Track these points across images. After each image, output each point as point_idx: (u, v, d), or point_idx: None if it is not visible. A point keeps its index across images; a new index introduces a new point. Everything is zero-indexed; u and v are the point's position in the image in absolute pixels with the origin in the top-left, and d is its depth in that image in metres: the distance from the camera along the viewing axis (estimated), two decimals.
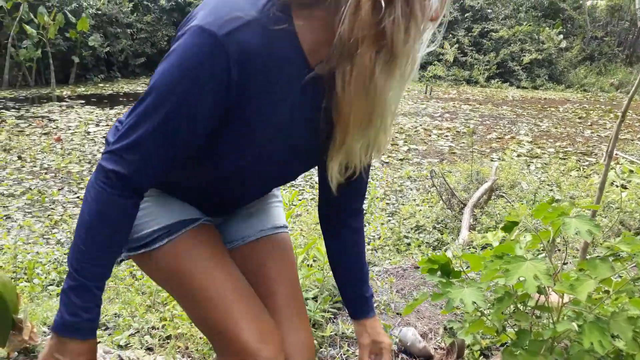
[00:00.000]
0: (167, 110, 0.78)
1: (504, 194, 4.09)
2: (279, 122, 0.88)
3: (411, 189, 4.51)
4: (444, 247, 2.99)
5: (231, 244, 1.13)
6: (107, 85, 12.18)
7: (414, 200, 4.06)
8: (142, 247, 0.97)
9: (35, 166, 4.73)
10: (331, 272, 1.27)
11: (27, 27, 10.35)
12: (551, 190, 4.68)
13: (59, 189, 4.04)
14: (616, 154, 5.66)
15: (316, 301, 1.61)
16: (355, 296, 1.14)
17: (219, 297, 0.95)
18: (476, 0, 17.62)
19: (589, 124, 8.93)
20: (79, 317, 0.81)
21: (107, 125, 6.89)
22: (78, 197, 3.90)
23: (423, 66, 17.32)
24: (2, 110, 7.74)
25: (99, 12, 12.18)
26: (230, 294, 0.96)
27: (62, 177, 4.39)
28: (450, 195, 3.38)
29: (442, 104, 11.28)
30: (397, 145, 6.52)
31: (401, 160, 5.73)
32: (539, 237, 1.03)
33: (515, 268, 0.86)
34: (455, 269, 1.10)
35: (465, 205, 3.30)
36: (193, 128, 0.81)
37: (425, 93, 13.60)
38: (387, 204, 3.95)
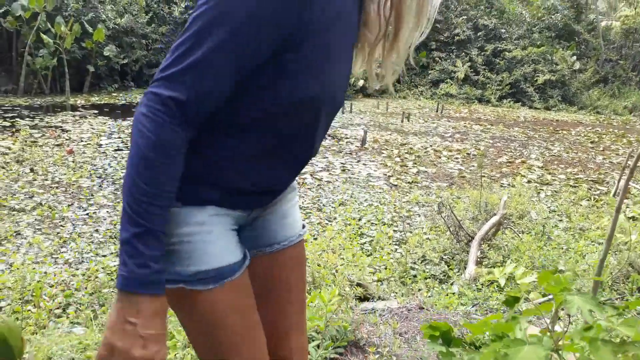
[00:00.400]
0: (231, 26, 0.75)
1: (512, 227, 4.07)
2: (342, 31, 0.89)
3: (419, 215, 4.50)
4: (450, 282, 2.97)
5: (271, 247, 1.09)
6: (121, 95, 12.32)
7: (422, 228, 4.05)
8: (180, 282, 0.87)
9: (46, 179, 4.78)
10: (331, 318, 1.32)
11: (44, 37, 10.52)
12: (561, 220, 4.65)
13: (69, 205, 4.07)
14: (631, 185, 5.62)
15: (318, 348, 1.61)
16: None
17: (243, 353, 0.95)
18: (490, 20, 17.64)
19: (601, 149, 8.87)
20: (150, 268, 0.74)
21: (119, 137, 6.96)
22: (87, 214, 3.93)
23: (435, 83, 17.37)
24: (17, 119, 7.85)
25: (117, 25, 12.35)
26: (254, 351, 0.97)
27: (72, 192, 4.43)
28: (457, 227, 3.37)
29: (453, 124, 11.27)
30: (407, 167, 6.51)
31: (410, 183, 5.71)
32: (540, 309, 1.03)
33: (515, 353, 0.85)
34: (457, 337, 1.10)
35: (472, 238, 3.28)
36: (259, 44, 0.78)
37: (437, 111, 13.60)
38: (394, 231, 3.94)
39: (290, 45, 0.81)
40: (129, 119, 8.65)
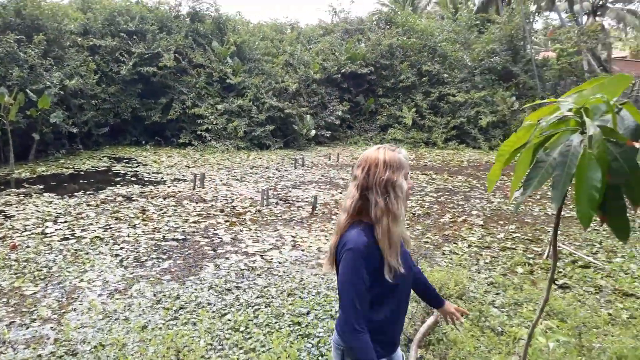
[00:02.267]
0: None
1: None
2: None
3: None
4: None
5: None
6: (69, 162, 12.11)
7: None
8: None
9: None
10: None
11: None
12: (498, 293, 4.91)
13: (10, 324, 4.00)
14: (560, 247, 6.01)
15: None
16: (433, 297, 2.28)
17: None
18: (433, 65, 18.51)
19: (538, 197, 9.39)
20: None
21: (66, 221, 6.87)
22: (30, 332, 3.88)
23: (384, 128, 17.93)
24: None
25: (62, 91, 12.24)
26: None
27: (14, 304, 4.35)
28: None
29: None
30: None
31: None
32: None
33: None
34: None
35: (410, 340, 3.46)
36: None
37: None
38: None
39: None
40: (76, 195, 8.53)
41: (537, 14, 26.30)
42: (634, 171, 1.36)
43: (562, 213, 8.09)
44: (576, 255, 6.02)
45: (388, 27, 21.06)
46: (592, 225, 7.48)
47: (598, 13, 35.21)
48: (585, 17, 30.94)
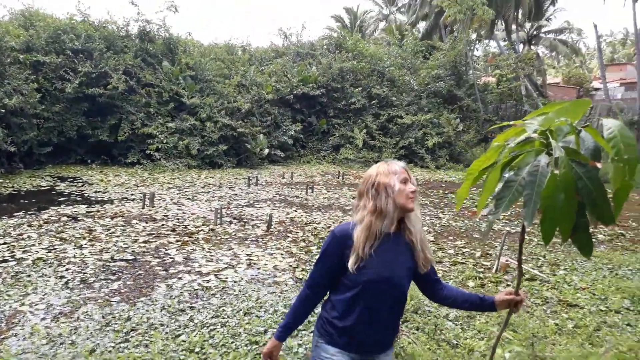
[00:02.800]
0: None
1: (408, 323, 4.34)
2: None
3: None
4: None
5: None
6: (8, 181, 11.47)
7: None
8: None
9: None
10: None
11: None
12: (450, 311, 5.01)
13: None
14: (507, 261, 6.24)
15: None
16: (478, 303, 2.09)
17: None
18: (382, 89, 19.03)
19: (485, 213, 9.73)
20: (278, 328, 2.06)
21: (5, 243, 6.47)
22: None
23: (336, 148, 18.17)
24: None
25: (2, 110, 11.63)
26: None
27: None
28: None
29: (354, 192, 11.79)
30: (311, 252, 6.68)
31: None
32: None
33: None
34: None
35: None
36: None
37: (338, 178, 14.20)
38: (299, 344, 4.03)
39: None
40: (15, 216, 8.08)
41: (477, 41, 27.69)
42: (597, 189, 1.46)
43: (508, 229, 8.42)
44: (523, 268, 6.27)
45: (338, 51, 21.53)
46: (535, 240, 7.85)
47: (533, 42, 37.54)
48: (521, 46, 32.86)
